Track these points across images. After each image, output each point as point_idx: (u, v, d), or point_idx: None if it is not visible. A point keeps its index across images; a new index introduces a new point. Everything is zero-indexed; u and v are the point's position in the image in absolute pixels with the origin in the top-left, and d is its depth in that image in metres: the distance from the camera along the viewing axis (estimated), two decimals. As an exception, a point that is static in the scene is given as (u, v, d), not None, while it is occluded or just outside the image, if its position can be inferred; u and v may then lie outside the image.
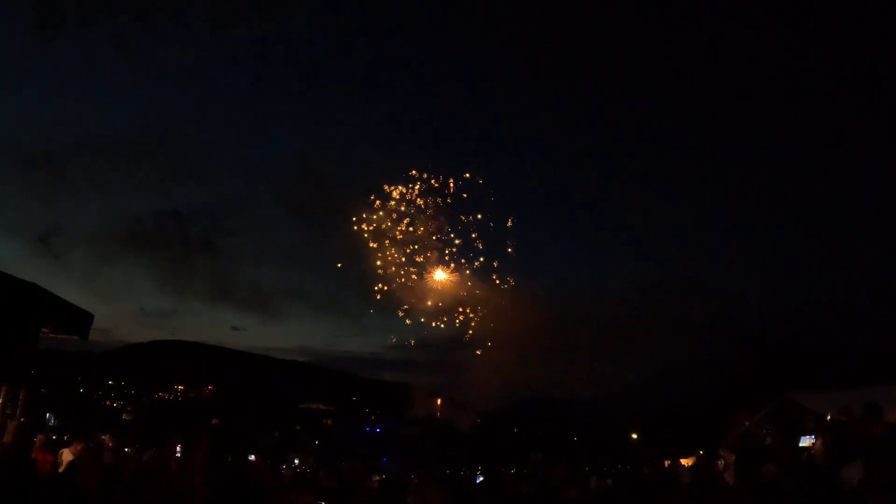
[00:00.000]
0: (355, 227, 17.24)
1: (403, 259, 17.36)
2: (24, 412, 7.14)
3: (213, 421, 74.55)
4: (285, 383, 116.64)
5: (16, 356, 6.61)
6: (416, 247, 17.50)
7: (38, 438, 7.68)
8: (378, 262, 17.31)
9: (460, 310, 17.87)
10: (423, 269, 17.55)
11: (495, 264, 17.82)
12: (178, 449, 8.66)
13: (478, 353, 18.35)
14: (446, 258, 17.59)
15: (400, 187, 17.25)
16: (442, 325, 18.03)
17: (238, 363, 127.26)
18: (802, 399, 15.14)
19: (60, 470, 6.72)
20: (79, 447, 8.06)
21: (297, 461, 48.75)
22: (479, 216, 17.26)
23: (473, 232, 17.51)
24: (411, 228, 17.37)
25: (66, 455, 7.94)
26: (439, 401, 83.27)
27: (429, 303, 17.64)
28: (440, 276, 17.59)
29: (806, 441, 9.75)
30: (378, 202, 17.25)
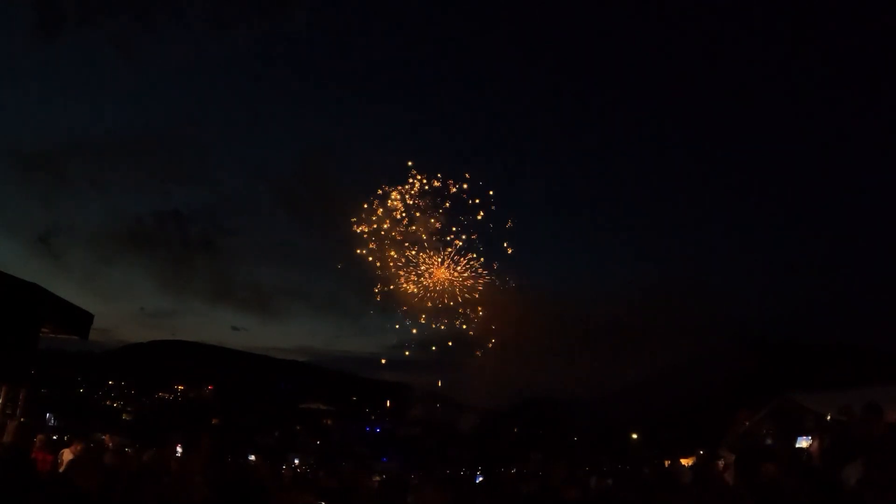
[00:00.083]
0: (355, 228, 17.27)
1: (404, 260, 17.38)
2: (24, 412, 7.14)
3: (213, 421, 74.54)
4: (285, 383, 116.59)
5: (16, 356, 6.61)
6: (417, 247, 17.53)
7: (38, 438, 7.69)
8: (378, 263, 17.34)
9: (460, 311, 17.89)
10: (423, 270, 17.57)
11: (495, 265, 17.86)
12: (178, 449, 8.66)
13: (478, 353, 18.38)
14: (446, 258, 17.61)
15: (399, 188, 17.28)
16: (442, 327, 18.07)
17: (238, 363, 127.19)
18: (802, 399, 15.11)
19: (61, 470, 6.71)
20: (79, 447, 8.06)
21: (297, 461, 48.71)
22: (479, 217, 17.29)
23: (473, 233, 17.54)
24: (412, 228, 17.39)
25: (67, 455, 7.94)
26: (439, 401, 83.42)
27: (429, 303, 17.66)
28: (440, 276, 17.60)
29: (803, 442, 9.75)
30: (378, 202, 17.28)
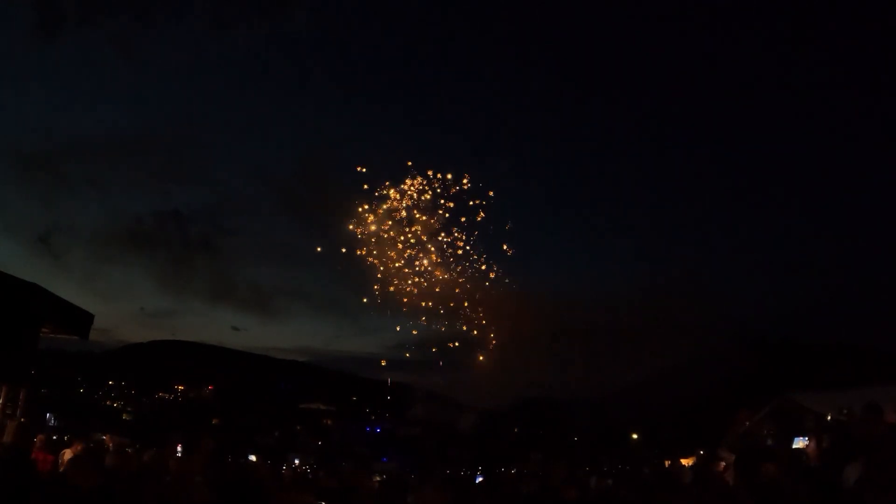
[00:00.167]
0: (355, 228, 17.25)
1: (403, 261, 17.37)
2: (24, 412, 7.14)
3: (213, 421, 74.60)
4: (285, 383, 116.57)
5: (16, 356, 6.61)
6: (417, 248, 17.52)
7: (38, 438, 7.69)
8: (378, 263, 17.33)
9: (460, 311, 17.88)
10: (422, 270, 17.56)
11: (495, 266, 17.84)
12: (178, 449, 8.66)
13: (478, 353, 18.37)
14: (446, 259, 17.61)
15: (399, 188, 17.26)
16: (443, 329, 18.06)
17: (238, 363, 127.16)
18: (802, 399, 15.14)
19: (61, 470, 6.71)
20: (79, 447, 8.05)
21: (297, 461, 48.73)
22: (479, 218, 17.28)
23: (474, 233, 17.53)
24: (412, 229, 17.38)
25: (68, 455, 7.94)
26: (439, 401, 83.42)
27: (429, 304, 17.65)
28: (440, 276, 17.60)
29: (799, 442, 9.74)
30: (377, 202, 17.26)
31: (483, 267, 17.66)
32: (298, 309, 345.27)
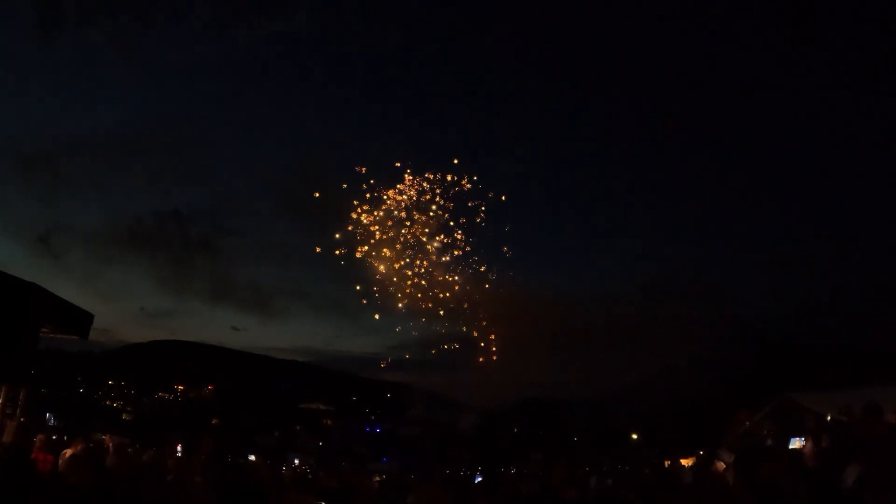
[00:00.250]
0: (355, 228, 17.24)
1: (403, 261, 17.37)
2: (24, 412, 7.13)
3: (213, 421, 74.53)
4: (285, 383, 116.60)
5: (16, 356, 6.60)
6: (416, 248, 17.51)
7: (38, 438, 7.68)
8: (378, 263, 17.31)
9: (460, 312, 17.87)
10: (422, 271, 17.56)
11: (495, 266, 17.84)
12: (178, 449, 8.66)
13: (478, 354, 18.36)
14: (446, 259, 17.60)
15: (399, 188, 17.25)
16: (443, 331, 18.05)
17: (238, 363, 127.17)
18: (802, 399, 15.14)
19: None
20: (80, 447, 8.05)
21: (297, 461, 48.71)
22: (479, 219, 17.27)
23: (473, 233, 17.52)
24: (412, 229, 17.37)
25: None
26: (439, 401, 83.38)
27: (429, 304, 17.64)
28: (440, 277, 17.59)
29: (795, 443, 9.75)
30: (377, 203, 17.25)
31: (482, 268, 17.66)
32: (298, 309, 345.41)
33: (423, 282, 17.51)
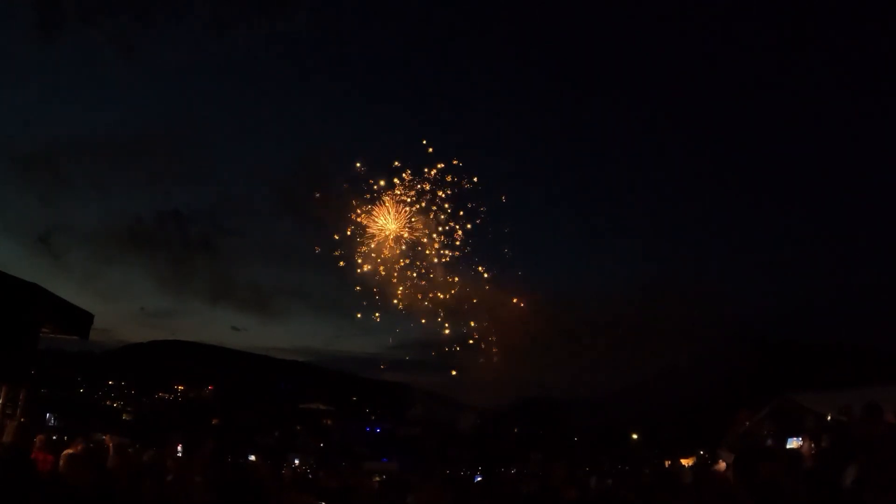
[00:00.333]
0: (355, 228, 17.27)
1: (406, 262, 17.40)
2: (24, 412, 7.13)
3: (213, 421, 74.53)
4: (285, 383, 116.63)
5: (16, 356, 6.61)
6: (417, 248, 17.55)
7: (38, 438, 7.67)
8: (378, 264, 17.34)
9: (460, 312, 17.90)
10: (423, 271, 17.58)
11: (495, 267, 17.87)
12: (178, 449, 8.66)
13: (478, 353, 18.37)
14: (446, 259, 17.62)
15: (399, 188, 17.28)
16: (446, 332, 18.08)
17: (238, 363, 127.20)
18: (802, 399, 15.10)
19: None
20: (80, 447, 8.06)
21: (297, 461, 48.71)
22: (479, 220, 17.32)
23: (473, 234, 17.55)
24: (412, 229, 17.39)
25: (68, 455, 7.93)
26: (439, 401, 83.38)
27: (429, 304, 17.67)
28: (440, 277, 17.62)
29: (793, 443, 9.74)
30: (377, 203, 17.28)
31: (482, 268, 17.69)
32: (298, 309, 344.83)
33: (424, 282, 17.55)
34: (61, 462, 5.56)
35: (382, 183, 17.26)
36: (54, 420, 48.30)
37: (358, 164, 17.25)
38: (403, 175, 17.30)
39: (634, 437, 56.43)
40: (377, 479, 17.23)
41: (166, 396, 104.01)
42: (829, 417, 9.83)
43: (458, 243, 17.59)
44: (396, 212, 17.25)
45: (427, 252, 17.56)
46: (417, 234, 17.46)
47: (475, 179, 17.51)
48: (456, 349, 18.46)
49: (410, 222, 17.41)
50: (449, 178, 17.27)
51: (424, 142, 17.76)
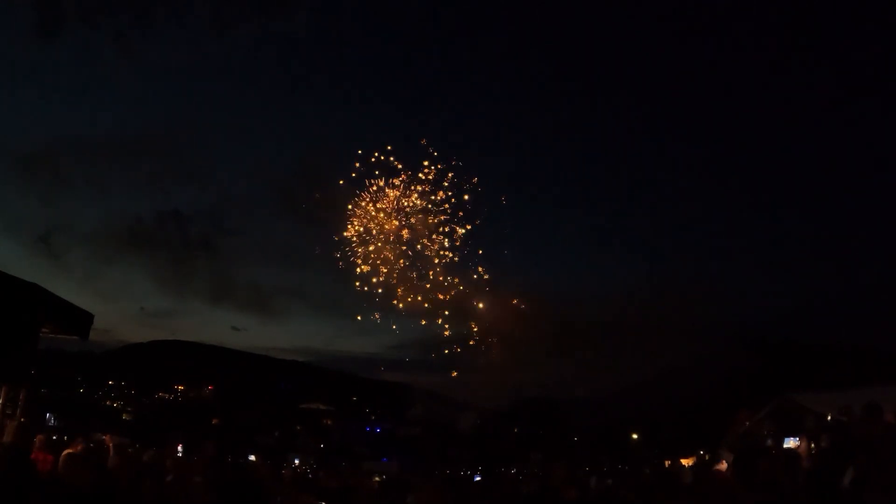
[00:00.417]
0: (355, 228, 17.26)
1: (403, 262, 17.39)
2: (24, 412, 7.13)
3: (213, 421, 74.59)
4: (285, 383, 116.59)
5: (16, 356, 6.60)
6: (417, 248, 17.54)
7: (38, 438, 7.67)
8: (378, 264, 17.34)
9: (460, 312, 17.89)
10: (423, 271, 17.58)
11: (495, 267, 17.86)
12: (178, 449, 8.67)
13: (478, 354, 18.36)
14: (446, 260, 17.62)
15: (399, 189, 17.28)
16: (446, 332, 18.06)
17: (238, 363, 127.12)
18: (802, 399, 15.09)
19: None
20: (80, 447, 8.05)
21: (297, 461, 48.72)
22: (479, 221, 17.31)
23: (473, 234, 17.54)
24: (412, 230, 17.39)
25: (68, 455, 7.93)
26: (439, 401, 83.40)
27: (428, 304, 17.66)
28: (440, 277, 17.61)
29: (790, 442, 9.74)
30: (377, 203, 17.28)
31: (482, 269, 17.68)
32: (298, 309, 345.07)
33: (424, 282, 17.54)
34: (61, 462, 5.56)
35: (382, 183, 17.26)
36: (54, 420, 48.31)
37: (357, 164, 17.23)
38: (403, 175, 17.30)
39: (634, 437, 56.42)
40: (377, 479, 17.24)
41: (166, 396, 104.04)
42: (829, 417, 9.83)
43: (457, 244, 17.59)
44: (396, 212, 17.27)
45: (427, 253, 17.57)
46: (417, 235, 17.46)
47: (475, 180, 17.49)
48: (456, 350, 18.44)
49: (410, 223, 17.42)
50: (449, 179, 17.27)
51: (424, 142, 17.70)
